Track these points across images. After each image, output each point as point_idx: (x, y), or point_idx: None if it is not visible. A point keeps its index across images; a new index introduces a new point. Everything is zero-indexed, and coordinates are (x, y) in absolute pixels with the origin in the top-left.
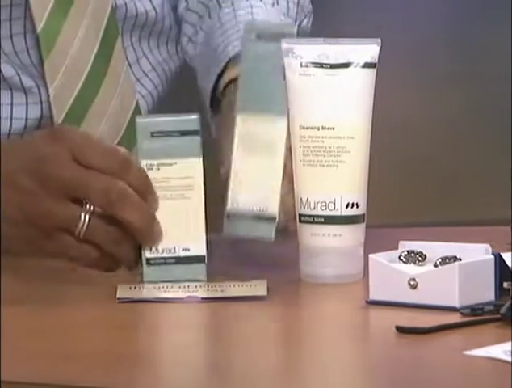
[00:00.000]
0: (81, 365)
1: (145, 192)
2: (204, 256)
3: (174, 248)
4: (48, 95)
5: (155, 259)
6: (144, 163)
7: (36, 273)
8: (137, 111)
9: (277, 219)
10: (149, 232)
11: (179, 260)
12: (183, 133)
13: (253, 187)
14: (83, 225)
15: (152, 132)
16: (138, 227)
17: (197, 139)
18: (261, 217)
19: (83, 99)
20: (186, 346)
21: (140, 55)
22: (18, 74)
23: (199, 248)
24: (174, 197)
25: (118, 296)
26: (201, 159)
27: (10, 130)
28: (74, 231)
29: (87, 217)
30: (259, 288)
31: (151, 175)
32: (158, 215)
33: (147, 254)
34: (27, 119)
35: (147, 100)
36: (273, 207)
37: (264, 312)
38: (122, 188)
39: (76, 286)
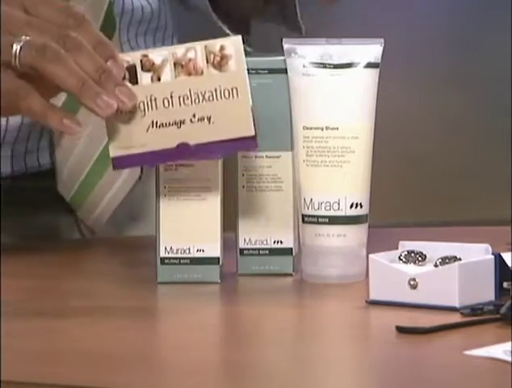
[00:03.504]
0: (81, 365)
1: (98, 45)
2: (219, 258)
3: (189, 249)
4: None
5: (169, 258)
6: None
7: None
8: None
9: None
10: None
11: (194, 261)
12: None
13: (263, 221)
14: (16, 51)
15: None
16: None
17: None
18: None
19: None
20: (187, 346)
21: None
22: None
23: (214, 250)
24: (191, 198)
25: (111, 155)
26: (220, 161)
27: (6, 126)
28: (10, 61)
29: (21, 43)
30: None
31: (169, 175)
32: (174, 215)
33: (161, 253)
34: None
35: None
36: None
37: (264, 312)
38: (69, 35)
39: (76, 286)
